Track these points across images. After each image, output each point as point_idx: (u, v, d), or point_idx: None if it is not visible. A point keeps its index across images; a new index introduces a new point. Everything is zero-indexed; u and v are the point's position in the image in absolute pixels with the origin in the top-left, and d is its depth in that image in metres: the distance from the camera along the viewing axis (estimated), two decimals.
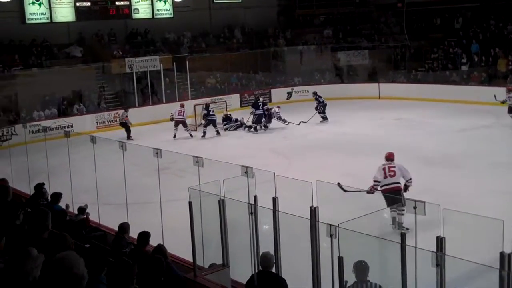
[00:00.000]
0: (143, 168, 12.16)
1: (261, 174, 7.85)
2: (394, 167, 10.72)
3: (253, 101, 23.41)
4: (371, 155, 16.13)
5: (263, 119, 21.01)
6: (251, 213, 7.12)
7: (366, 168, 14.57)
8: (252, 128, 21.06)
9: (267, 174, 7.74)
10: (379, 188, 10.61)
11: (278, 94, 27.35)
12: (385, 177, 10.69)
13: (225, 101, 23.94)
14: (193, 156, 8.39)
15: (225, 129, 21.44)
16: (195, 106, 22.61)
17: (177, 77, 25.55)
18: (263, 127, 21.08)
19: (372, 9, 31.81)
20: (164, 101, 25.06)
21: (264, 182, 7.78)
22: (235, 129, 21.58)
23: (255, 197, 7.52)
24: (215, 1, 30.16)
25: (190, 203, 7.14)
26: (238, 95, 26.80)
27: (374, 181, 10.65)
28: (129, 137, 20.39)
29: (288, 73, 29.85)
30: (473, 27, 28.15)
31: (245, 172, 7.53)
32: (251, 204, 7.20)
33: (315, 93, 22.39)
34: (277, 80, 29.20)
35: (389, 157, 10.99)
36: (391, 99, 25.94)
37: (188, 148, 17.56)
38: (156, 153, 9.17)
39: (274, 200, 7.21)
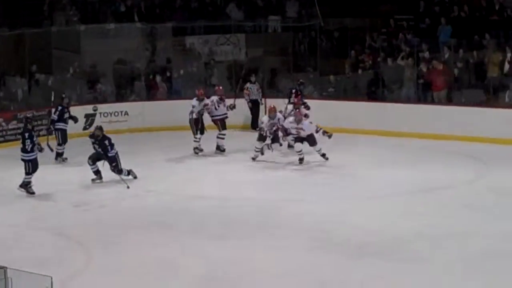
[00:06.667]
0: None
1: (29, 280, 8.87)
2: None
3: None
4: (250, 238, 16.30)
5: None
6: None
7: (239, 263, 14.70)
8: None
9: (41, 279, 8.67)
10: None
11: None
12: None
13: None
14: None
15: None
16: None
17: None
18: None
19: None
20: None
21: None
22: None
23: None
24: None
25: None
26: None
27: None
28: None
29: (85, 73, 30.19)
30: None
31: None
32: None
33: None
34: (65, 87, 28.35)
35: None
36: None
37: None
38: None
39: None
